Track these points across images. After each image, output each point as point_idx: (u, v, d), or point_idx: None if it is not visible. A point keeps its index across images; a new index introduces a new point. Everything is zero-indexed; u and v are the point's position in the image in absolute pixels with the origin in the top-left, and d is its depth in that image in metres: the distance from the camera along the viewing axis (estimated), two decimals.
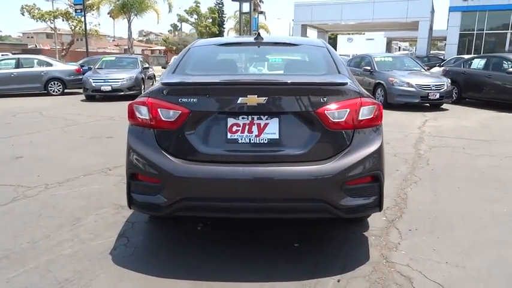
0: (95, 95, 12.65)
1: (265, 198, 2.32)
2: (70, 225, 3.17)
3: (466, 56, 16.20)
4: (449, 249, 2.79)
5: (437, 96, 10.06)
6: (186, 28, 63.40)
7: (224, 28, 56.55)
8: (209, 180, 2.29)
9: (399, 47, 67.81)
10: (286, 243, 2.88)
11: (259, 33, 3.29)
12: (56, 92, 13.93)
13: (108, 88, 12.21)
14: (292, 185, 2.29)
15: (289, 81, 2.42)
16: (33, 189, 4.00)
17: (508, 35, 26.13)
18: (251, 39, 3.32)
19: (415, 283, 2.37)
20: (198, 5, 48.36)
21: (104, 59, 14.94)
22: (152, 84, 15.37)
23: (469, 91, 11.38)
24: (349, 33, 50.70)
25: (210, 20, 49.51)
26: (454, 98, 11.10)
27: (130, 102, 2.60)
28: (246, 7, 31.82)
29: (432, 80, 10.42)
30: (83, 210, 3.47)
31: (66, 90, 14.10)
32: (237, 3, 21.50)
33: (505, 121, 8.78)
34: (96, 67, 13.93)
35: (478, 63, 11.45)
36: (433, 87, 10.06)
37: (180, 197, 2.33)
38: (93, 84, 12.25)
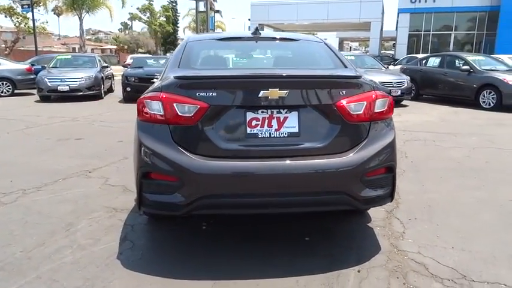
0: (50, 96, 11.95)
1: (287, 192, 2.30)
2: (63, 231, 2.96)
3: (420, 55, 17.05)
4: (451, 235, 2.90)
5: (399, 93, 10.48)
6: (137, 27, 61.75)
7: (178, 27, 55.61)
8: (230, 176, 2.23)
9: (350, 47, 70.16)
10: (297, 238, 2.87)
11: (257, 28, 3.25)
12: (5, 92, 12.98)
13: (66, 88, 11.57)
14: (314, 178, 2.28)
15: (310, 75, 2.41)
16: (9, 196, 3.70)
17: (452, 36, 27.81)
18: (248, 34, 3.28)
19: (430, 269, 2.44)
20: (151, 2, 47.15)
21: (58, 57, 14.15)
22: (112, 84, 14.88)
23: (425, 88, 11.98)
24: (303, 33, 51.63)
25: (164, 19, 48.40)
26: (413, 94, 11.63)
27: (140, 97, 2.47)
28: (201, 6, 31.52)
29: (393, 77, 10.85)
30: (73, 215, 3.26)
31: (16, 91, 13.20)
32: (191, 2, 21.10)
33: (462, 115, 9.32)
34: (50, 66, 13.16)
35: (434, 62, 12.08)
36: (395, 85, 10.47)
37: (200, 195, 2.24)
38: (49, 84, 11.55)
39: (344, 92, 2.34)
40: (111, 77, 15.04)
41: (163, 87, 2.34)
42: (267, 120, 2.30)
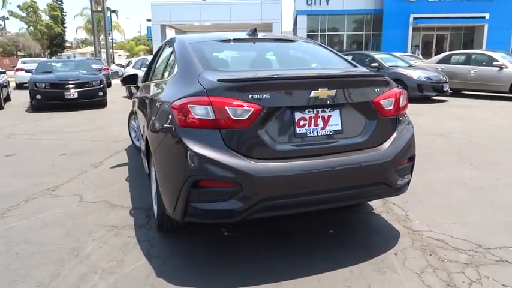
0: None
1: (337, 188, 2.38)
2: (72, 257, 2.64)
3: None
4: (445, 213, 3.28)
5: None
6: (12, 27, 55.25)
7: (66, 27, 51.30)
8: (288, 176, 2.24)
9: None
10: (320, 232, 2.97)
11: (255, 29, 3.26)
12: None
13: None
14: (361, 171, 2.41)
15: (354, 74, 2.53)
16: None
17: (344, 36, 30.41)
18: (244, 35, 3.28)
19: (450, 243, 2.75)
20: (34, 0, 42.65)
21: None
22: (8, 93, 13.14)
23: None
24: None
25: (49, 18, 44.14)
26: None
27: (178, 102, 2.32)
28: (87, 4, 29.45)
29: None
30: (71, 238, 2.92)
31: None
32: (79, 0, 19.74)
33: None
34: None
35: None
36: None
37: (259, 199, 2.21)
38: None
39: (378, 89, 2.51)
40: (7, 84, 13.35)
41: (209, 91, 2.24)
42: (313, 120, 2.36)
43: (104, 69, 17.79)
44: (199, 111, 2.22)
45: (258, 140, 2.25)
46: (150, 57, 13.26)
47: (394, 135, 2.59)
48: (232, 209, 2.22)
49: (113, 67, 25.87)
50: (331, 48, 3.26)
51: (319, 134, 2.38)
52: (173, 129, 2.35)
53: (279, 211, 2.36)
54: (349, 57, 13.09)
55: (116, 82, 17.56)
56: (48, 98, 10.38)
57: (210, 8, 30.53)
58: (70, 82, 10.51)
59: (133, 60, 18.15)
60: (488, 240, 2.79)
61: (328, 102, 2.37)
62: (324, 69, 2.79)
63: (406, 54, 19.77)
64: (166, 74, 3.25)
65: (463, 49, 24.95)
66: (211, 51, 2.89)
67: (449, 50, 27.01)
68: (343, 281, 2.33)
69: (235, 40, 3.21)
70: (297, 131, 2.33)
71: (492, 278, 2.32)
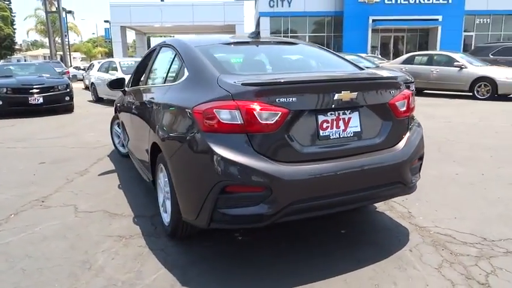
0: None
1: (361, 188, 2.43)
2: (85, 270, 2.52)
3: None
4: (444, 209, 3.42)
5: None
6: None
7: (15, 29, 48.77)
8: (315, 179, 2.25)
9: None
10: (333, 232, 3.02)
11: (258, 32, 3.26)
12: None
13: None
14: (382, 171, 2.47)
15: (374, 77, 2.58)
16: None
17: (307, 37, 30.91)
18: (246, 37, 3.28)
19: (457, 238, 2.87)
20: None
21: None
22: None
23: None
24: (163, 36, 50.89)
25: None
26: None
27: (203, 107, 2.27)
28: (37, 4, 28.18)
29: None
30: (78, 251, 2.78)
31: None
32: (29, 1, 18.98)
33: None
34: None
35: None
36: None
37: (289, 202, 2.21)
38: None
39: (393, 91, 2.58)
40: None
41: (234, 95, 2.21)
42: (335, 122, 2.39)
43: (65, 73, 17.08)
44: (226, 116, 2.19)
45: (284, 144, 2.25)
46: (118, 60, 12.88)
47: (407, 135, 2.68)
48: (261, 214, 2.21)
49: (71, 70, 24.87)
50: (332, 51, 3.32)
51: (341, 136, 2.41)
52: (195, 134, 2.30)
53: (306, 214, 2.36)
54: None
55: (76, 86, 16.88)
56: (11, 104, 9.84)
57: (171, 9, 30.08)
58: (34, 87, 10.00)
59: (96, 62, 17.56)
60: (491, 233, 2.94)
61: (348, 104, 2.41)
62: (337, 72, 2.84)
63: (368, 55, 20.40)
64: (170, 78, 3.17)
65: (419, 50, 26.17)
66: (220, 55, 2.85)
67: (406, 51, 28.26)
68: (369, 279, 2.37)
69: (240, 43, 3.19)
70: (321, 134, 2.35)
71: (505, 269, 2.45)
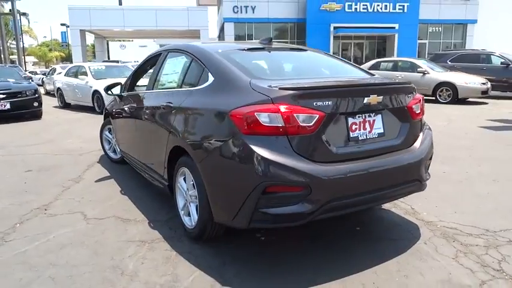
0: None
1: (386, 186, 2.59)
2: (118, 275, 2.51)
3: None
4: (443, 204, 3.67)
5: None
6: None
7: None
8: (350, 178, 2.39)
9: None
10: (349, 229, 3.17)
11: (271, 38, 3.37)
12: None
13: None
14: (405, 170, 2.65)
15: (397, 82, 2.76)
16: None
17: None
18: (259, 44, 3.38)
19: (463, 230, 3.11)
20: None
21: None
22: None
23: None
24: (121, 40, 49.83)
25: None
26: None
27: (244, 110, 2.34)
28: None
29: None
30: (103, 257, 2.75)
31: None
32: None
33: None
34: None
35: None
36: None
37: (327, 200, 2.33)
38: None
39: (409, 95, 2.78)
40: None
41: (274, 99, 2.31)
42: (362, 124, 2.55)
43: (29, 77, 16.33)
44: (267, 119, 2.28)
45: (320, 145, 2.37)
46: (87, 65, 12.52)
47: (421, 135, 2.88)
48: (301, 212, 2.31)
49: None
50: (338, 57, 3.49)
51: (367, 137, 2.57)
52: (234, 137, 2.37)
53: (341, 211, 2.49)
54: None
55: None
56: None
57: (133, 13, 29.54)
58: (0, 92, 9.52)
59: (59, 67, 16.94)
60: (491, 225, 3.20)
61: (373, 107, 2.58)
62: (359, 77, 3.01)
63: None
64: (188, 82, 3.20)
65: (377, 57, 27.33)
66: (242, 60, 2.93)
67: (365, 58, 29.40)
68: (397, 271, 2.53)
69: (256, 49, 3.28)
70: (351, 135, 2.50)
71: (507, 256, 2.69)
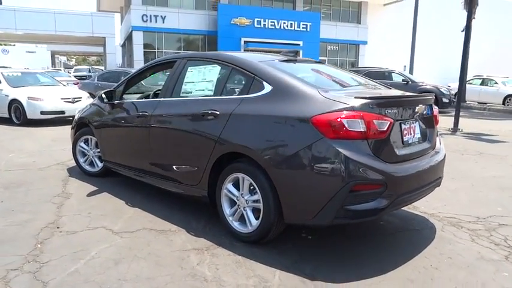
0: None
1: (428, 182, 3.04)
2: (203, 282, 2.51)
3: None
4: (433, 199, 4.16)
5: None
6: None
7: None
8: (411, 175, 2.79)
9: (60, 61, 65.25)
10: (374, 226, 3.55)
11: (297, 51, 3.64)
12: None
13: None
14: (437, 168, 3.13)
15: (429, 94, 3.21)
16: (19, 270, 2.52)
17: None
18: (288, 56, 3.64)
19: (462, 219, 3.71)
20: None
21: None
22: None
23: None
24: (2, 44, 44.64)
25: None
26: None
27: (331, 116, 2.56)
28: None
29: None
30: (172, 267, 2.70)
31: None
32: None
33: None
34: None
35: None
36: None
37: (397, 195, 2.67)
38: None
39: (433, 105, 3.28)
40: None
41: (355, 107, 2.58)
42: (409, 130, 2.96)
43: None
44: (351, 124, 2.55)
45: (389, 147, 2.72)
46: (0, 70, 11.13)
47: (438, 138, 3.41)
48: (378, 207, 2.62)
49: None
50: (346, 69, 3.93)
51: (413, 141, 2.99)
52: (319, 142, 2.58)
53: (401, 205, 2.86)
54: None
55: None
56: None
57: (28, 16, 26.79)
58: None
59: None
60: (478, 213, 3.87)
61: (414, 115, 3.01)
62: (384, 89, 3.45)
63: None
64: (230, 90, 3.30)
65: None
66: (292, 71, 3.14)
67: None
68: (440, 254, 2.98)
69: (290, 61, 3.50)
70: (404, 139, 2.89)
71: (508, 236, 3.34)
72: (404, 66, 26.62)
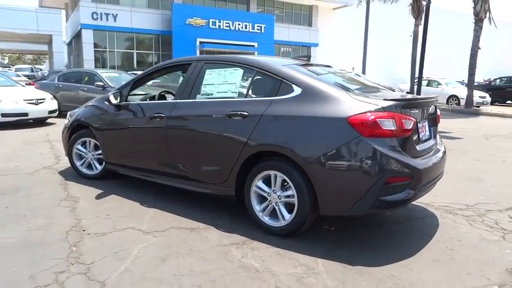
0: None
1: (438, 174, 3.41)
2: (255, 272, 2.69)
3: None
4: (435, 192, 4.70)
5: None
6: None
7: None
8: (429, 168, 3.14)
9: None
10: (383, 216, 3.89)
11: (310, 56, 3.89)
12: None
13: None
14: (443, 161, 3.52)
15: (435, 96, 3.58)
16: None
17: (134, 54, 30.39)
18: (302, 61, 3.89)
19: (453, 207, 4.16)
20: None
21: None
22: None
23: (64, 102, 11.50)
24: None
25: None
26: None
27: (369, 117, 2.82)
28: None
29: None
30: (219, 262, 2.84)
31: None
32: None
33: None
34: None
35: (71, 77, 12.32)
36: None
37: (420, 186, 3.01)
38: None
39: (436, 105, 3.68)
40: None
41: (386, 108, 2.88)
42: (422, 128, 3.31)
43: None
44: (385, 124, 2.84)
45: (412, 143, 3.05)
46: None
47: (438, 136, 3.81)
48: (406, 198, 2.94)
49: None
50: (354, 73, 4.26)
51: (425, 138, 3.35)
52: (355, 140, 2.84)
53: (419, 196, 3.19)
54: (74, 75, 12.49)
55: None
56: None
57: None
58: None
59: None
60: (465, 201, 4.35)
61: (425, 116, 3.38)
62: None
63: None
64: (257, 92, 3.45)
65: None
66: (316, 74, 3.39)
67: None
68: (449, 238, 3.36)
69: (307, 65, 3.73)
70: (420, 137, 3.24)
71: (500, 220, 3.82)
72: (353, 67, 27.97)
